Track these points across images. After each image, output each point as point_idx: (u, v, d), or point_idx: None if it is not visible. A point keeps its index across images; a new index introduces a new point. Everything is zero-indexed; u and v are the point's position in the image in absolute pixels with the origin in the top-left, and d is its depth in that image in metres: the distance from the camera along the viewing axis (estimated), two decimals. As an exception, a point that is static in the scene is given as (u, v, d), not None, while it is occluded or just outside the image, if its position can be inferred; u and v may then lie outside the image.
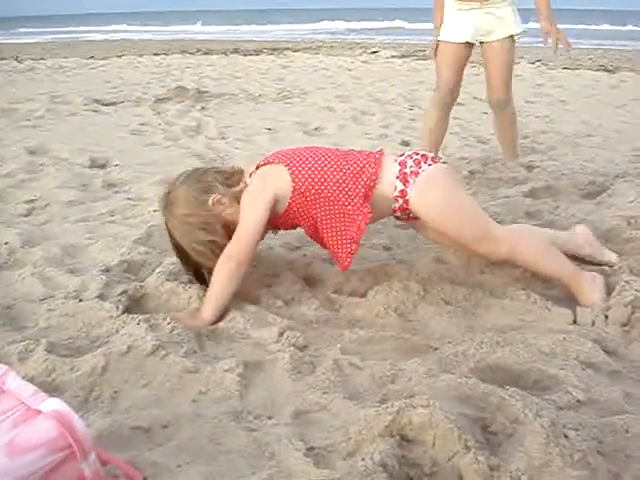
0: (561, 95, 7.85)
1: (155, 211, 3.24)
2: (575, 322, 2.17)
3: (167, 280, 2.41)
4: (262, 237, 2.44)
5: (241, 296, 2.30)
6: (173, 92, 7.77)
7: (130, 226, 3.11)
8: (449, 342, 2.03)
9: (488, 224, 2.30)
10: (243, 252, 2.24)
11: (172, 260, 2.61)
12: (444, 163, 2.42)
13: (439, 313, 2.22)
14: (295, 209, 2.32)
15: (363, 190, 2.26)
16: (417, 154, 2.35)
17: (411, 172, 2.28)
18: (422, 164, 2.30)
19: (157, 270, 2.51)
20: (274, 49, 15.76)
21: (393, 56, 13.57)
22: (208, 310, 2.20)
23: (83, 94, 7.75)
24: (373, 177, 2.28)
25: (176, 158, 4.56)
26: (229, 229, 2.30)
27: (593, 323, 2.14)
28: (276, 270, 2.54)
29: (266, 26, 40.65)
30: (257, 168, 2.38)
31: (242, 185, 2.36)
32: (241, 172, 2.43)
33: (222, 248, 2.26)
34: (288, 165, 2.32)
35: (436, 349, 2.00)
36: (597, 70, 10.96)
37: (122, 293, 2.34)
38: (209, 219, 2.30)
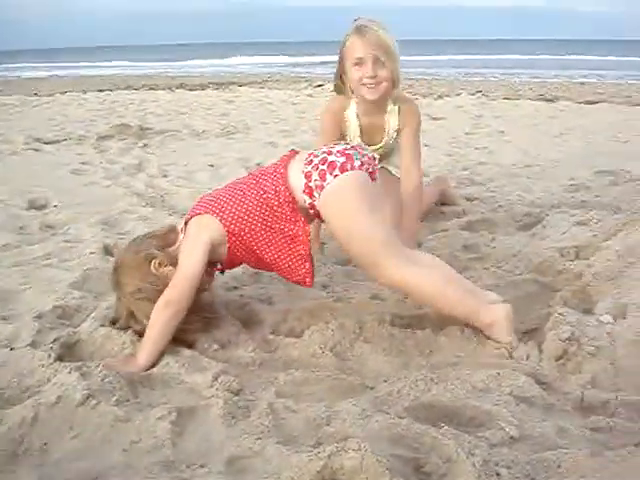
0: (500, 125, 8.00)
1: (92, 253, 3.20)
2: (510, 356, 2.18)
3: (101, 325, 2.38)
4: (208, 283, 2.46)
5: (176, 340, 2.27)
6: (116, 129, 7.70)
7: (66, 269, 3.05)
8: (384, 381, 2.03)
9: (381, 248, 2.19)
10: (181, 297, 2.23)
11: (107, 304, 2.58)
12: (354, 170, 2.28)
13: (375, 351, 2.22)
14: (236, 250, 2.35)
15: (288, 208, 2.28)
16: (324, 162, 2.28)
17: (316, 186, 2.27)
18: (327, 176, 2.25)
19: (92, 315, 2.48)
20: (220, 84, 15.81)
21: (338, 89, 13.68)
22: (143, 355, 2.16)
23: (25, 132, 7.63)
24: (287, 193, 2.29)
25: (116, 197, 4.52)
26: None
27: (527, 357, 2.16)
28: (213, 312, 2.51)
29: (213, 60, 40.74)
30: (186, 223, 2.40)
31: (178, 243, 2.38)
32: (174, 230, 2.45)
33: None
34: (213, 212, 2.34)
35: (372, 388, 2.00)
36: (536, 100, 11.21)
37: (55, 340, 2.29)
38: (158, 285, 2.29)
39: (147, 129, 7.80)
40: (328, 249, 3.26)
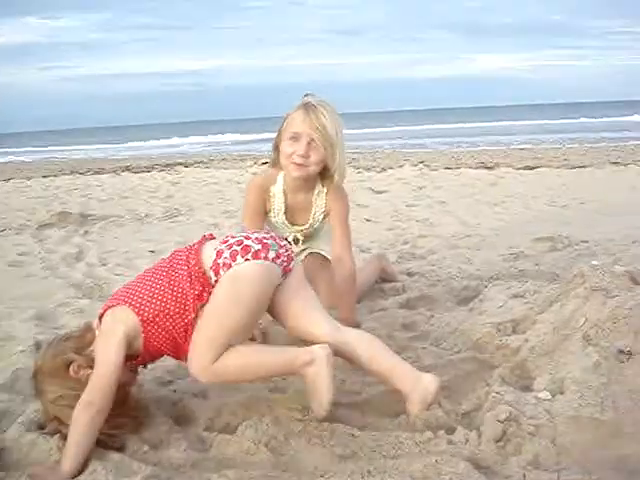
0: (441, 196, 8.13)
1: (22, 351, 3.09)
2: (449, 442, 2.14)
3: (28, 431, 2.28)
4: (132, 378, 2.39)
5: (104, 443, 2.17)
6: (57, 217, 7.59)
7: (-5, 371, 2.95)
8: (321, 476, 1.96)
9: (214, 354, 2.16)
10: (100, 397, 2.14)
11: (36, 407, 2.48)
12: (266, 261, 2.25)
13: (312, 444, 2.15)
14: (152, 339, 2.27)
15: (199, 283, 2.24)
16: (239, 244, 2.25)
17: (224, 264, 2.23)
18: (238, 257, 2.22)
19: (18, 420, 2.38)
20: (166, 165, 15.82)
21: (282, 166, 13.80)
22: (67, 462, 2.07)
23: (-38, 223, 7.49)
24: (198, 269, 2.26)
25: (53, 289, 4.41)
26: None
27: (466, 441, 2.12)
28: (143, 410, 2.43)
29: (160, 140, 40.94)
30: (100, 318, 2.33)
31: (94, 346, 2.30)
32: (90, 329, 2.37)
33: None
34: (125, 302, 2.28)
35: (308, 485, 1.93)
36: (477, 168, 11.45)
37: (-21, 449, 2.19)
38: (79, 390, 2.20)
39: (89, 215, 7.71)
40: (267, 336, 3.20)
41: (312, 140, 2.97)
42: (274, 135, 3.17)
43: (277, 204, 3.23)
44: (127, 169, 15.20)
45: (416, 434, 2.17)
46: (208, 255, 2.29)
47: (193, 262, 2.28)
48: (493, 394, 2.29)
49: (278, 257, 2.28)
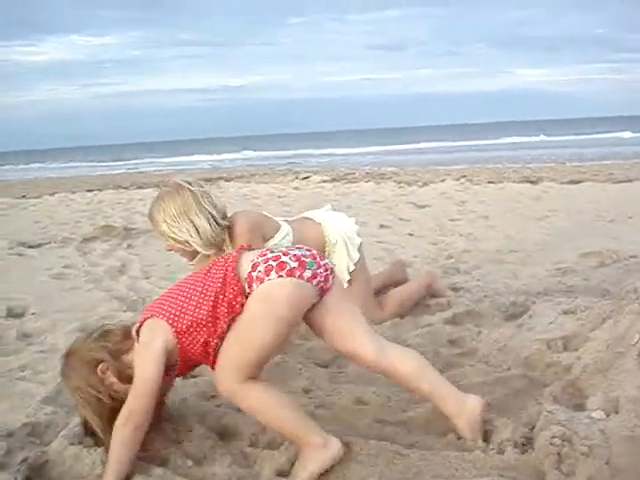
0: (485, 211, 8.03)
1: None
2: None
3: (71, 444, 2.26)
4: (167, 390, 2.40)
5: (147, 457, 2.17)
6: (100, 230, 7.67)
7: (40, 382, 2.96)
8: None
9: (241, 373, 2.13)
10: (138, 414, 2.13)
11: (78, 421, 2.47)
12: (301, 280, 2.20)
13: (358, 462, 2.10)
14: (188, 348, 2.24)
15: (232, 292, 2.20)
16: (276, 259, 2.21)
17: (257, 277, 2.19)
18: (272, 273, 2.18)
19: (62, 433, 2.36)
20: (208, 179, 15.91)
21: (324, 181, 13.85)
22: (109, 478, 2.05)
23: (9, 236, 7.60)
24: (233, 278, 2.22)
25: (96, 302, 4.44)
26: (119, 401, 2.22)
27: (518, 460, 2.06)
28: (187, 424, 2.40)
29: (200, 156, 41.27)
30: (137, 330, 2.31)
31: (132, 353, 2.29)
32: (129, 336, 2.33)
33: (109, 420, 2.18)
34: (160, 314, 2.26)
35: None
36: (520, 182, 11.32)
37: (22, 461, 2.19)
38: (97, 391, 2.23)
39: (132, 229, 7.77)
40: (307, 349, 3.16)
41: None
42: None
43: None
44: (169, 184, 15.31)
45: (465, 453, 2.11)
46: (244, 266, 2.25)
47: (230, 269, 2.25)
48: (545, 413, 2.22)
49: (314, 277, 2.23)
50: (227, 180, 15.45)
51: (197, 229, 3.09)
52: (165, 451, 2.26)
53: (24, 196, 13.96)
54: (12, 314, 4.26)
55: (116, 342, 2.32)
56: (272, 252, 2.28)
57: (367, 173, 15.70)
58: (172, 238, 3.14)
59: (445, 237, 6.35)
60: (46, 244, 7.17)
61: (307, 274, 2.21)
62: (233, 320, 2.20)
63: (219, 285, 2.23)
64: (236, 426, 2.42)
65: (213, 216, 3.12)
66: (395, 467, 2.07)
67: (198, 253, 3.18)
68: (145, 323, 2.29)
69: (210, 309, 2.21)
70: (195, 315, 2.22)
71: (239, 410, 2.52)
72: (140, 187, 15.12)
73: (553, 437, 2.06)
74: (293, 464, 2.14)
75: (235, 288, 2.20)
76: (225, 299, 2.20)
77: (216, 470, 2.14)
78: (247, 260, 2.27)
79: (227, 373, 2.15)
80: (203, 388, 2.74)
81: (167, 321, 2.24)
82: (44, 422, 2.53)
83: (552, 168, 14.81)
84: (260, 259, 2.24)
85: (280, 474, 2.12)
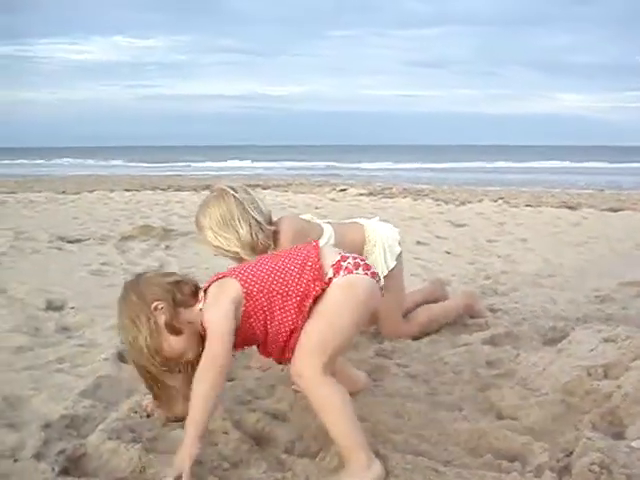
0: (523, 233, 7.98)
1: (105, 359, 3.13)
2: None
3: (109, 439, 2.29)
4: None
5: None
6: (139, 230, 7.74)
7: (78, 376, 2.99)
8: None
9: (324, 359, 2.15)
10: (222, 357, 2.15)
11: (117, 415, 2.51)
12: (379, 283, 2.37)
13: (394, 476, 2.09)
14: (251, 314, 2.27)
15: (311, 271, 2.28)
16: (363, 260, 2.36)
17: (346, 267, 2.28)
18: (360, 268, 2.30)
19: (100, 427, 2.40)
20: (246, 186, 15.99)
21: (361, 194, 13.86)
22: (191, 434, 2.08)
23: (49, 230, 7.73)
24: (317, 257, 2.30)
25: (134, 300, 4.47)
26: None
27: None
28: (224, 427, 2.41)
29: (237, 162, 41.56)
30: (205, 291, 2.34)
31: (196, 308, 2.31)
32: (196, 292, 2.36)
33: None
34: (236, 275, 2.31)
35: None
36: (559, 207, 11.23)
37: (60, 452, 2.22)
38: (137, 327, 2.25)
39: (170, 230, 7.82)
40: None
41: None
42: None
43: None
44: (207, 188, 15.45)
45: (502, 474, 2.09)
46: (330, 255, 2.33)
47: (313, 254, 2.32)
48: (584, 439, 2.20)
49: (381, 289, 2.39)
50: (264, 188, 15.52)
51: (240, 236, 3.11)
52: (201, 452, 2.26)
53: (63, 192, 14.18)
54: (51, 307, 4.31)
55: (183, 293, 2.33)
56: (349, 255, 2.37)
57: (404, 189, 15.67)
58: (216, 246, 3.17)
59: (482, 257, 6.32)
60: (85, 240, 7.26)
61: (380, 284, 2.37)
62: (303, 301, 2.25)
63: (299, 264, 2.31)
64: (271, 432, 2.42)
65: (258, 222, 3.14)
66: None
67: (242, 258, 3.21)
68: (215, 282, 2.33)
69: (284, 282, 2.28)
70: (268, 283, 2.28)
71: (274, 416, 2.55)
72: (178, 189, 15.28)
73: (592, 464, 2.05)
74: (327, 475, 2.14)
75: (316, 272, 2.27)
76: (303, 278, 2.27)
77: (252, 474, 2.14)
78: (332, 251, 2.38)
79: (311, 358, 2.16)
80: (238, 392, 2.75)
81: (239, 281, 2.28)
82: (82, 415, 2.56)
83: (590, 195, 14.67)
84: (348, 254, 2.35)
85: (314, 484, 2.12)
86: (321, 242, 3.32)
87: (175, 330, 2.26)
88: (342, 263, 2.29)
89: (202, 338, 2.28)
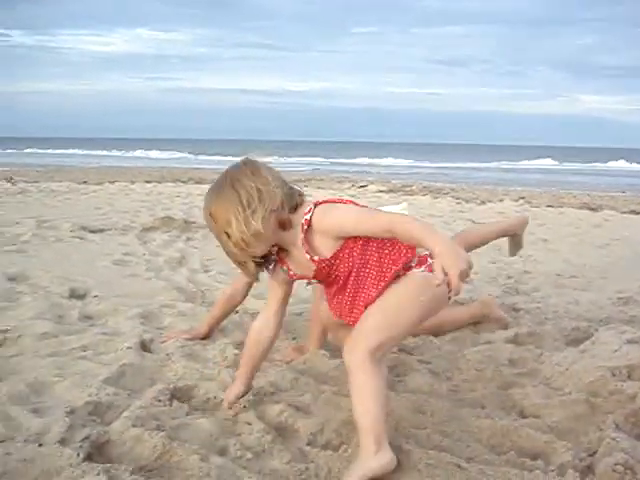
0: (545, 234, 7.93)
1: (129, 348, 3.15)
2: None
3: (133, 426, 2.30)
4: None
5: (207, 445, 2.20)
6: (160, 221, 7.78)
7: (102, 363, 3.01)
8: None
9: (378, 344, 2.13)
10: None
11: (140, 403, 2.52)
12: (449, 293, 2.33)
13: (417, 471, 2.08)
14: (346, 245, 2.28)
15: (403, 250, 2.31)
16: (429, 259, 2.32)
17: (429, 265, 2.26)
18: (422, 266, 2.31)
19: (124, 414, 2.42)
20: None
21: (381, 190, 13.85)
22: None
23: (71, 220, 7.78)
24: (412, 251, 2.33)
25: (156, 291, 4.51)
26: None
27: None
28: (247, 418, 2.43)
29: (268, 157, 41.53)
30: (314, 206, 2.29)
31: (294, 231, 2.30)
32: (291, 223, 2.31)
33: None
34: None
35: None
36: (580, 208, 11.18)
37: (85, 439, 2.23)
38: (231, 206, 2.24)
39: (192, 222, 7.84)
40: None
41: None
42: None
43: None
44: (228, 181, 15.45)
45: (525, 472, 2.09)
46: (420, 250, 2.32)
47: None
48: (608, 440, 2.20)
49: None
50: (284, 182, 15.49)
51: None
52: (224, 441, 2.28)
53: (85, 182, 14.27)
54: (75, 295, 4.33)
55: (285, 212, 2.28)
56: None
57: (424, 187, 15.64)
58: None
59: (504, 256, 6.27)
60: (107, 230, 7.31)
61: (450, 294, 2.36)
62: (383, 275, 2.27)
63: (391, 243, 2.30)
64: (294, 424, 2.43)
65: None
66: (453, 479, 2.06)
67: None
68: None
69: (375, 244, 2.29)
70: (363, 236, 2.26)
71: (297, 408, 2.55)
72: (198, 182, 15.31)
73: (616, 464, 2.05)
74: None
75: (406, 252, 2.29)
76: (392, 253, 2.29)
77: (275, 465, 2.15)
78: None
79: (367, 340, 2.14)
80: (262, 384, 2.76)
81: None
82: (105, 402, 2.57)
83: (612, 197, 14.56)
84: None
85: (336, 476, 2.12)
86: None
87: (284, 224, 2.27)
88: (429, 259, 2.27)
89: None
